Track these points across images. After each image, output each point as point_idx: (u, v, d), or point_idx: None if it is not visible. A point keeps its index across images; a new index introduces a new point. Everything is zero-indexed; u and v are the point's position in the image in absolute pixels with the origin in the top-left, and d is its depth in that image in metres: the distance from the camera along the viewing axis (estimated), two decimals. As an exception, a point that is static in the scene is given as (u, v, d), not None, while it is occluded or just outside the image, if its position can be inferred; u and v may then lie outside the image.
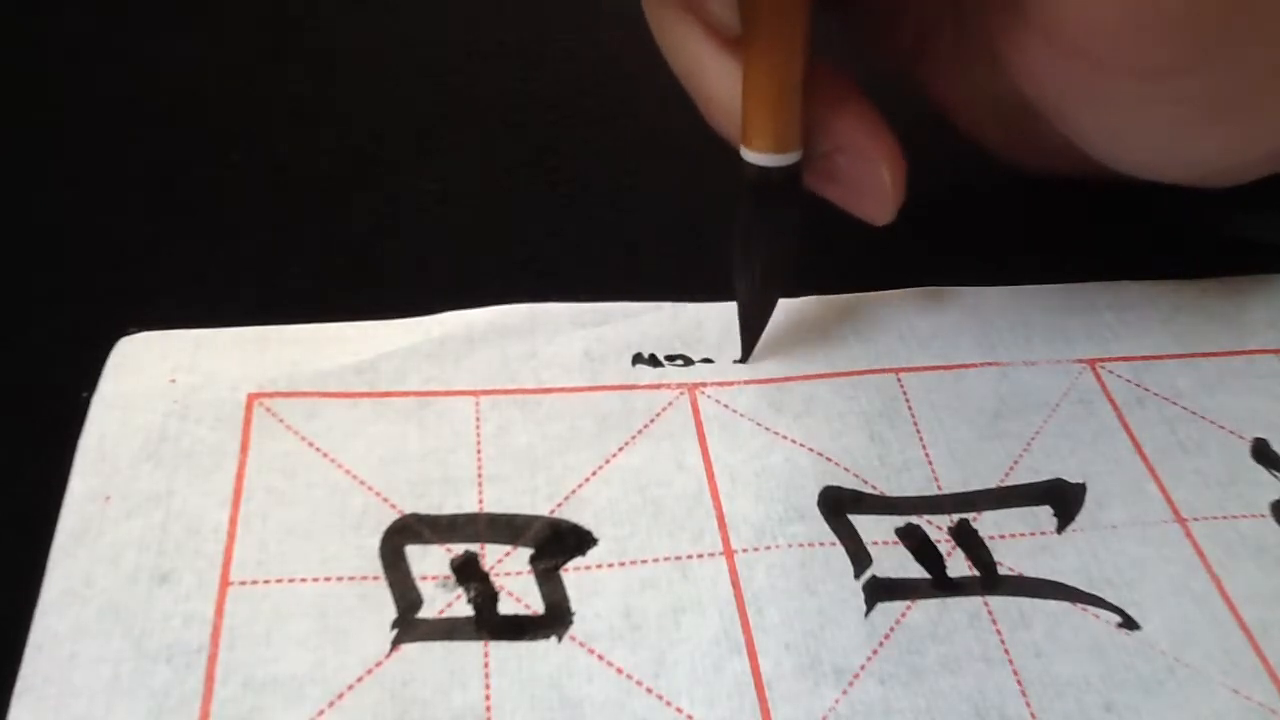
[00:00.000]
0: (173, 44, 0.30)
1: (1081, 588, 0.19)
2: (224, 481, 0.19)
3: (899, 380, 0.22)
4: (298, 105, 0.29)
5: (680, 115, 0.23)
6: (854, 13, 0.24)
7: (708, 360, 0.22)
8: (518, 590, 0.18)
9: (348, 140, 0.28)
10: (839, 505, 0.20)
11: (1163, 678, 0.18)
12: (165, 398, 0.20)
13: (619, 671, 0.18)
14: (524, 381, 0.22)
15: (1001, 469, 0.21)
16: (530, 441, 0.21)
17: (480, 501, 0.20)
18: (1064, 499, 0.21)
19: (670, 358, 0.22)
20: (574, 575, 0.19)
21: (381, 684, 0.17)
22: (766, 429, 0.21)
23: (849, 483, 0.21)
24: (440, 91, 0.29)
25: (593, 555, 0.19)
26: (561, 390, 0.21)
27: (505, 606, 0.18)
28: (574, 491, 0.20)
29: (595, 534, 0.19)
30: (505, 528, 0.19)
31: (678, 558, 0.19)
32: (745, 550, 0.19)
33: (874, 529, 0.20)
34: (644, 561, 0.19)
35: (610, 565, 0.19)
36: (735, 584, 0.19)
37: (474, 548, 0.19)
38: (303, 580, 0.18)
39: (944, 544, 0.20)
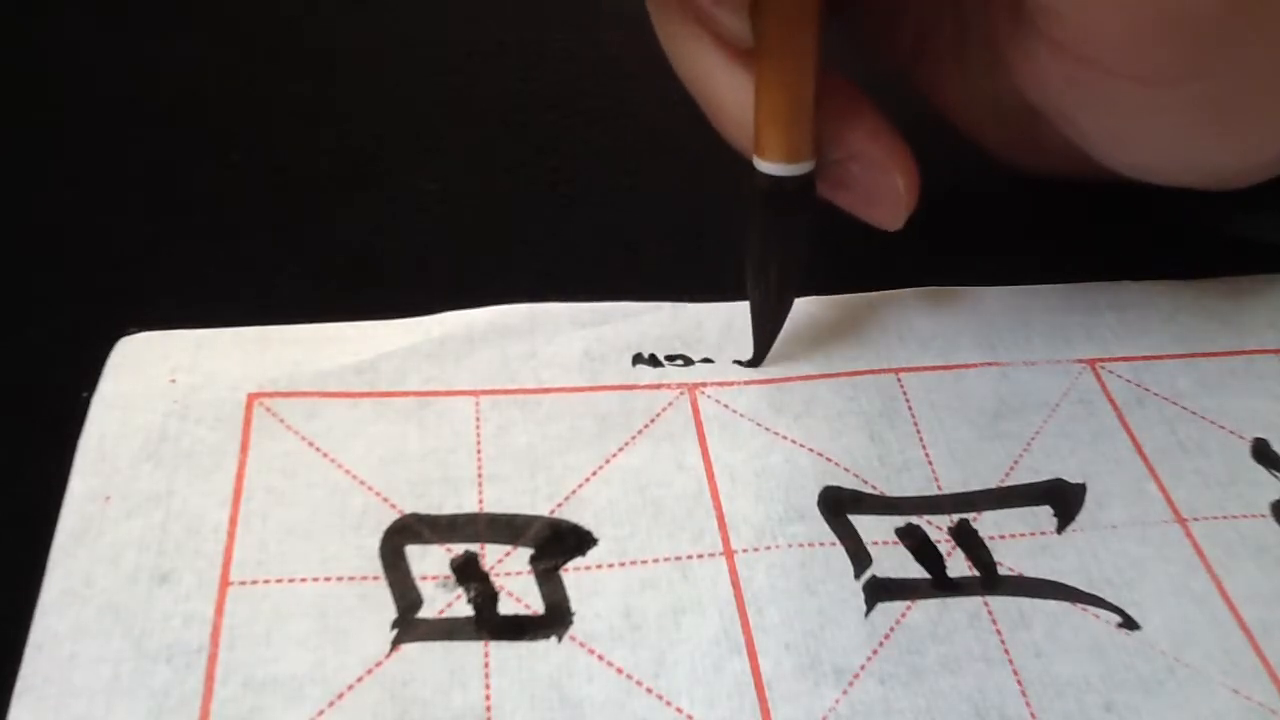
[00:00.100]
0: (173, 44, 0.30)
1: (1081, 588, 0.19)
2: (224, 481, 0.19)
3: (899, 380, 0.22)
4: (298, 105, 0.29)
5: (680, 115, 0.23)
6: (854, 13, 0.24)
7: (708, 360, 0.22)
8: (518, 590, 0.18)
9: (348, 140, 0.28)
10: (839, 505, 0.20)
11: (1163, 678, 0.18)
12: (165, 398, 0.20)
13: (619, 671, 0.18)
14: (524, 381, 0.22)
15: (1001, 469, 0.21)
16: (530, 441, 0.21)
17: (480, 501, 0.20)
18: (1064, 499, 0.21)
19: (670, 358, 0.22)
20: (574, 575, 0.19)
21: (381, 684, 0.17)
22: (766, 429, 0.21)
23: (849, 483, 0.21)
24: (440, 91, 0.29)
25: (593, 555, 0.19)
26: (561, 390, 0.21)
27: (505, 606, 0.18)
28: (574, 491, 0.20)
29: (595, 534, 0.19)
30: (505, 528, 0.19)
31: (678, 558, 0.19)
32: (745, 550, 0.19)
33: (874, 529, 0.20)
34: (644, 561, 0.19)
35: (610, 565, 0.19)
36: (735, 584, 0.19)
37: (474, 548, 0.19)
38: (303, 580, 0.18)
39: (944, 544, 0.20)
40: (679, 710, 0.17)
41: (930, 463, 0.21)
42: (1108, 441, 0.22)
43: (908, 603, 0.19)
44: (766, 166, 0.20)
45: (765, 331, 0.22)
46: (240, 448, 0.20)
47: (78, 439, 0.19)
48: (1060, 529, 0.20)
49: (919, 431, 0.22)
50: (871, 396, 0.22)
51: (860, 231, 0.22)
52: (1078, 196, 0.26)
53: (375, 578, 0.18)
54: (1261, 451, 0.22)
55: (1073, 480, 0.21)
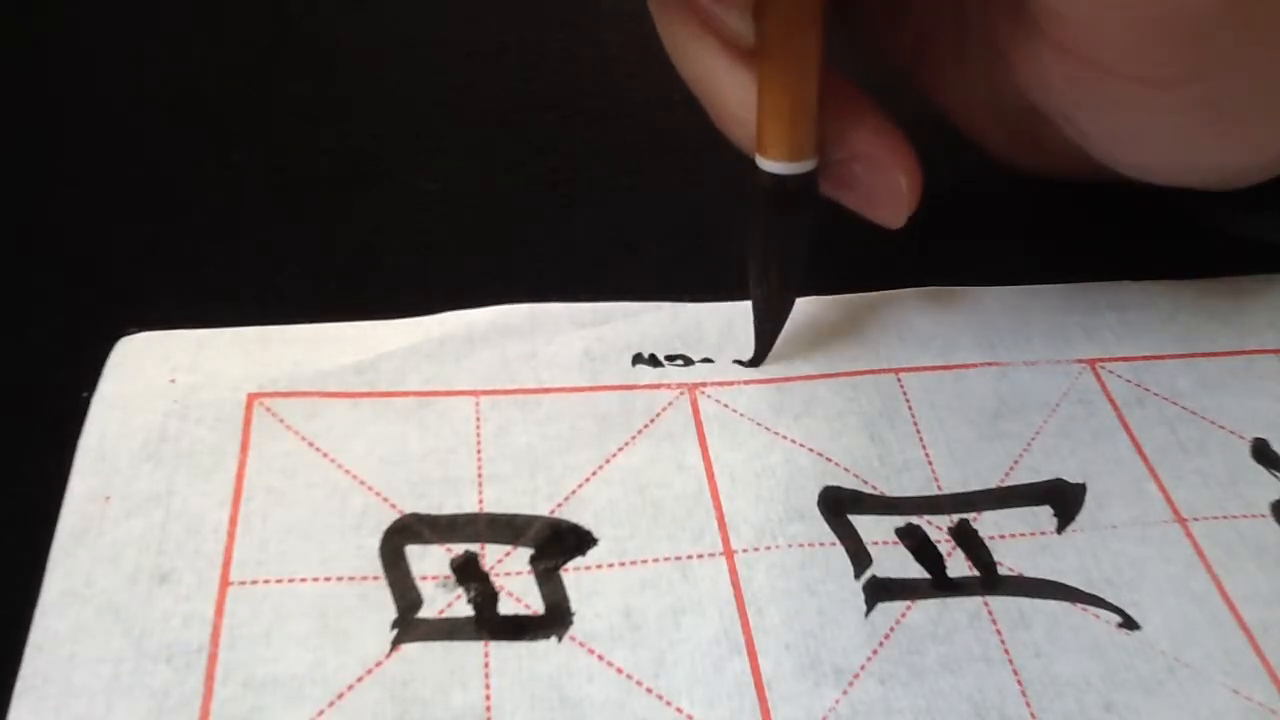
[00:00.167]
0: (173, 44, 0.30)
1: (1081, 588, 0.19)
2: (224, 481, 0.19)
3: (899, 380, 0.22)
4: (298, 105, 0.29)
5: (680, 115, 0.23)
6: (855, 13, 0.24)
7: (708, 360, 0.22)
8: (518, 590, 0.18)
9: (348, 140, 0.28)
10: (839, 505, 0.20)
11: (1163, 678, 0.18)
12: (165, 398, 0.20)
13: (619, 671, 0.18)
14: (524, 381, 0.22)
15: (1001, 469, 0.21)
16: (530, 441, 0.21)
17: (480, 501, 0.20)
18: (1064, 499, 0.21)
19: (670, 358, 0.22)
20: (574, 575, 0.19)
21: (381, 684, 0.17)
22: (766, 429, 0.21)
23: (849, 483, 0.21)
24: (440, 91, 0.29)
25: (593, 555, 0.19)
26: (561, 390, 0.21)
27: (505, 606, 0.18)
28: (574, 491, 0.20)
29: (595, 534, 0.19)
30: (505, 528, 0.19)
31: (678, 558, 0.19)
32: (745, 550, 0.19)
33: (874, 529, 0.20)
34: (644, 561, 0.19)
35: (610, 565, 0.19)
36: (735, 584, 0.19)
37: (474, 548, 0.19)
38: (303, 580, 0.18)
39: (944, 544, 0.20)
40: (679, 710, 0.17)
41: (930, 463, 0.21)
42: (1108, 441, 0.22)
43: (908, 603, 0.19)
44: (769, 165, 0.21)
45: (767, 330, 0.22)
46: (240, 448, 0.20)
47: (78, 439, 0.19)
48: (1060, 529, 0.20)
49: (919, 431, 0.22)
50: (871, 396, 0.22)
51: (861, 232, 0.22)
52: (1078, 196, 0.26)
53: (375, 578, 0.18)
54: (1261, 451, 0.22)
55: (1073, 480, 0.21)
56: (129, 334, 0.21)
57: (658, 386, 0.22)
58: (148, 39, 0.30)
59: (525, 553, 0.19)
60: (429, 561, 0.19)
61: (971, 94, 0.24)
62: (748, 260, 0.22)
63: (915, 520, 0.20)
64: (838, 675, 0.18)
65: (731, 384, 0.22)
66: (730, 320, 0.23)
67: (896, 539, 0.20)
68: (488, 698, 0.17)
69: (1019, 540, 0.20)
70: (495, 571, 0.19)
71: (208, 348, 0.21)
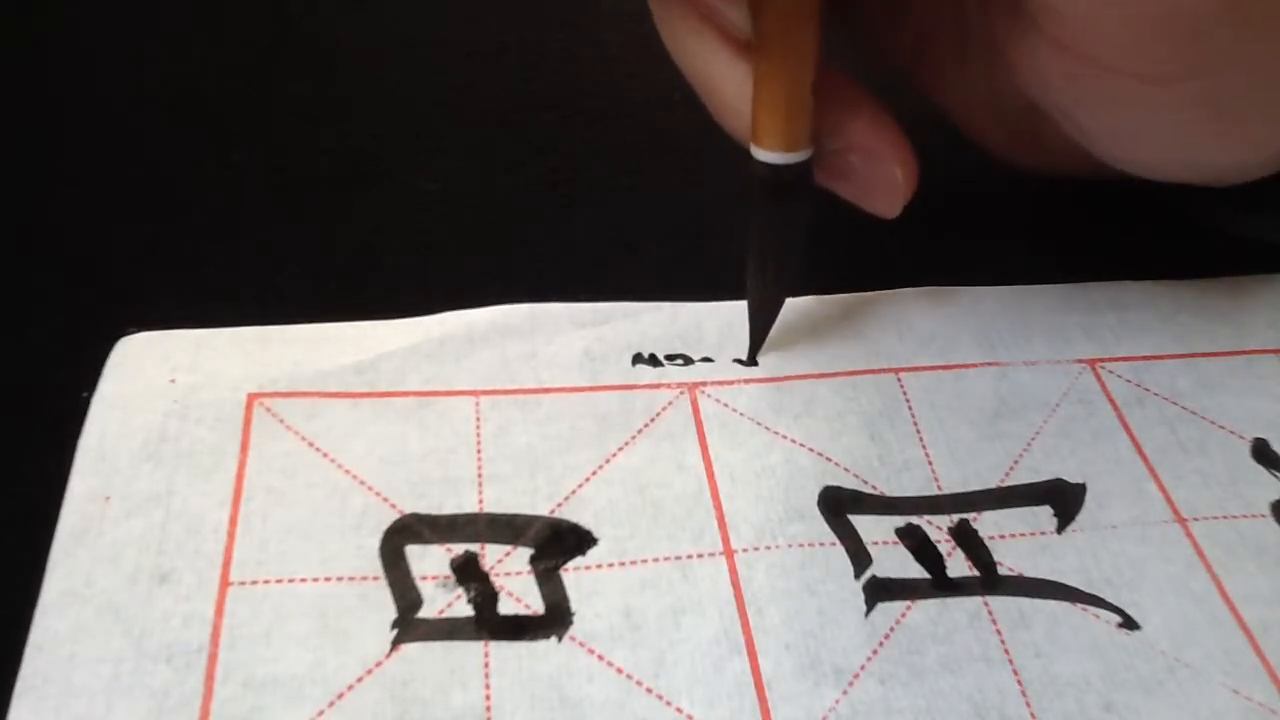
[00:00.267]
0: (173, 44, 0.30)
1: (1081, 588, 0.19)
2: (224, 481, 0.19)
3: (899, 380, 0.22)
4: (298, 105, 0.29)
5: (680, 115, 0.23)
6: (854, 13, 0.24)
7: (708, 360, 0.22)
8: (518, 590, 0.18)
9: (348, 140, 0.28)
10: (839, 505, 0.20)
11: (1163, 678, 0.18)
12: (165, 398, 0.20)
13: (619, 671, 0.18)
14: (524, 381, 0.22)
15: (1001, 469, 0.21)
16: (530, 441, 0.21)
17: (480, 501, 0.20)
18: (1064, 499, 0.21)
19: (670, 357, 0.22)
20: (574, 575, 0.19)
21: (381, 684, 0.17)
22: (766, 429, 0.21)
23: (849, 483, 0.21)
24: (440, 91, 0.29)
25: (593, 555, 0.19)
26: (561, 390, 0.21)
27: (505, 606, 0.18)
28: (574, 491, 0.20)
29: (595, 534, 0.19)
30: (505, 528, 0.19)
31: (678, 558, 0.19)
32: (745, 550, 0.19)
33: (874, 529, 0.20)
34: (644, 561, 0.19)
35: (610, 565, 0.19)
36: (735, 584, 0.19)
37: (474, 548, 0.19)
38: (303, 580, 0.18)
39: (944, 544, 0.20)
40: (679, 710, 0.17)
41: (930, 463, 0.21)
42: (1108, 441, 0.22)
43: (908, 603, 0.19)
44: (764, 155, 0.21)
45: (759, 325, 0.22)
46: (240, 448, 0.20)
47: (78, 439, 0.19)
48: (1060, 529, 0.20)
49: (919, 431, 0.22)
50: (871, 396, 0.22)
51: (861, 231, 0.22)
52: (1078, 196, 0.26)
53: (375, 578, 0.18)
54: (1261, 451, 0.22)
55: (1073, 480, 0.21)
56: (129, 334, 0.21)
57: (658, 386, 0.22)
58: (148, 39, 0.30)
59: (525, 553, 0.19)
60: (429, 561, 0.19)
61: (971, 93, 0.24)
62: (747, 257, 0.22)
63: (915, 520, 0.20)
64: (838, 675, 0.18)
65: (731, 383, 0.22)
66: (730, 320, 0.23)
67: (896, 539, 0.20)
68: (488, 698, 0.17)
69: (1019, 540, 0.20)
70: (495, 571, 0.19)
71: (207, 348, 0.21)
